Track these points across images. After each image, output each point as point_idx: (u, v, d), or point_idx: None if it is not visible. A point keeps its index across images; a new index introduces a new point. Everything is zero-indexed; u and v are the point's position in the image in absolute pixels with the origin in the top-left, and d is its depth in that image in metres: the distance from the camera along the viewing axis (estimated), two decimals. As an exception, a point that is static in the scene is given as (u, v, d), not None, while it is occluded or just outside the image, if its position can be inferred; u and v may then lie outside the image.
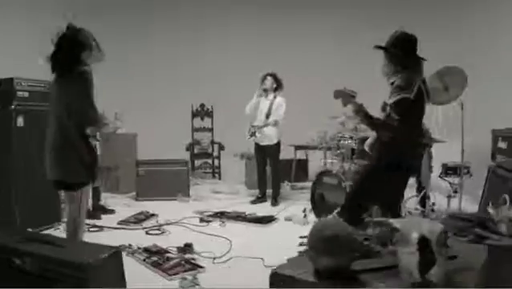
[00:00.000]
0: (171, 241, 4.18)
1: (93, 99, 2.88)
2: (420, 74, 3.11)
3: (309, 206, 5.38)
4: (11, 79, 4.14)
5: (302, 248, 3.84)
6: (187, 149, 7.82)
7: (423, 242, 1.62)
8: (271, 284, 1.79)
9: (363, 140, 4.71)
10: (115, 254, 2.07)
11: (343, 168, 4.77)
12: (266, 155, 6.06)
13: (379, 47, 3.12)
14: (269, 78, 5.96)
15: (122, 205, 5.70)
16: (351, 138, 4.79)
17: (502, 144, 3.73)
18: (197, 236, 4.43)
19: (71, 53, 2.83)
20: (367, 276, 1.72)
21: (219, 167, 8.00)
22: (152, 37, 8.02)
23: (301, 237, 4.23)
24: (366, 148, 3.39)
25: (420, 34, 3.16)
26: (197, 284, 3.18)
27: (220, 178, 7.94)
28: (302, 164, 7.69)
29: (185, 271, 3.40)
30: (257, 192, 6.40)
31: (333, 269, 1.69)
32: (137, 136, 6.76)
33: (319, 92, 7.48)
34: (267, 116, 5.86)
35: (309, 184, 7.27)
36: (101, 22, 7.66)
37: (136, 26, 7.86)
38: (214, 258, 3.75)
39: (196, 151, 7.93)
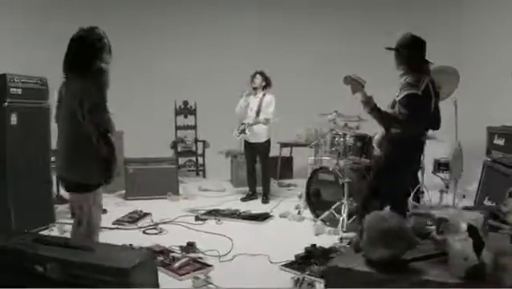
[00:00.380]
0: (170, 240, 4.13)
1: (105, 97, 2.82)
2: (428, 74, 3.22)
3: (301, 203, 5.45)
4: (4, 75, 3.97)
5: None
6: (171, 147, 7.73)
7: (472, 230, 1.74)
8: (327, 278, 1.83)
9: (358, 136, 4.82)
10: (151, 255, 2.04)
11: (339, 165, 4.83)
12: (255, 152, 6.08)
13: (390, 48, 3.20)
14: (258, 76, 5.98)
15: (112, 205, 5.57)
16: (345, 135, 4.84)
17: (499, 141, 3.89)
18: (194, 234, 4.40)
19: (84, 52, 2.77)
20: (417, 264, 1.82)
21: (203, 165, 7.94)
22: (136, 34, 7.87)
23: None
24: (374, 144, 3.46)
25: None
26: (211, 283, 3.17)
27: (204, 176, 7.90)
28: (288, 162, 7.77)
29: (195, 271, 3.37)
30: (243, 189, 6.43)
31: (388, 259, 1.76)
32: (123, 133, 6.61)
33: (304, 90, 7.64)
34: (257, 114, 5.88)
35: (295, 181, 7.40)
36: (84, 19, 7.48)
37: (120, 24, 7.66)
38: (220, 257, 3.75)
39: (180, 149, 7.84)
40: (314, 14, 8.05)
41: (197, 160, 8.01)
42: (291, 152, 7.88)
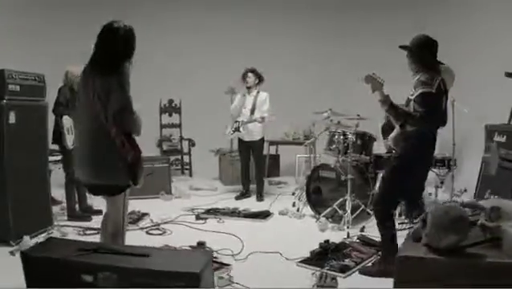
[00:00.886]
0: (177, 240, 4.05)
1: (130, 98, 2.73)
2: (439, 74, 3.30)
3: (298, 200, 5.48)
4: (2, 71, 3.74)
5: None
6: (157, 146, 7.58)
7: None
8: (399, 268, 1.89)
9: (359, 134, 4.89)
10: (211, 257, 1.98)
11: (339, 162, 4.89)
12: (249, 150, 6.05)
13: (405, 47, 3.26)
14: (250, 74, 5.91)
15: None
16: (345, 133, 4.89)
17: (500, 138, 4.03)
18: (199, 234, 4.33)
19: (120, 50, 2.68)
20: (472, 250, 1.94)
21: (189, 163, 7.83)
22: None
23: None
24: (389, 142, 3.51)
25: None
26: (236, 283, 3.13)
27: (191, 175, 7.79)
28: (275, 160, 7.80)
29: (215, 270, 3.29)
30: (234, 188, 6.40)
31: (454, 245, 1.86)
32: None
33: (292, 89, 7.68)
34: (252, 112, 5.85)
35: (282, 178, 7.44)
36: (70, 16, 7.23)
37: (105, 21, 7.43)
38: (234, 256, 3.71)
39: (165, 147, 7.70)
40: (313, 14, 8.09)
41: (182, 158, 7.89)
42: (277, 150, 7.90)
